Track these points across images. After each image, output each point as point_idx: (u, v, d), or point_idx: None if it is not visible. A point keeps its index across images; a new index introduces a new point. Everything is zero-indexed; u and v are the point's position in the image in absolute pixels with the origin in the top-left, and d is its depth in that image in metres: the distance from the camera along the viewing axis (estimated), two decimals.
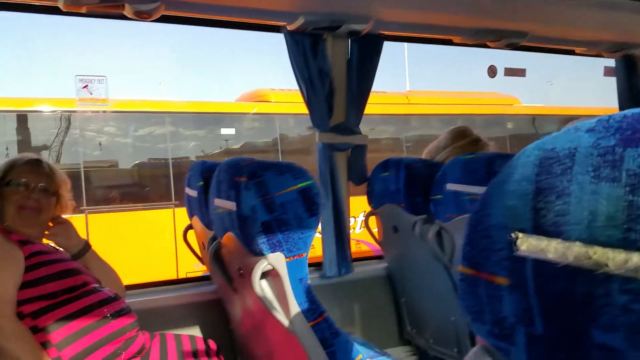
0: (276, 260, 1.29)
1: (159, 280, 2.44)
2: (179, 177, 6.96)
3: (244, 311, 1.81)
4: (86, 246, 1.90)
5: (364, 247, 6.29)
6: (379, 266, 2.63)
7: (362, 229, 6.37)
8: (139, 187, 7.14)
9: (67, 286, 1.58)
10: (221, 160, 1.86)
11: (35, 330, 1.47)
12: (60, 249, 1.85)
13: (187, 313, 2.27)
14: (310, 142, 7.73)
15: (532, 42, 2.68)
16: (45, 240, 1.83)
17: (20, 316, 1.47)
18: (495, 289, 0.53)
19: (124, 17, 1.86)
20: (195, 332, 2.25)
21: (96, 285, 1.68)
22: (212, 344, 1.93)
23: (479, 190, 1.75)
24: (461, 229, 1.77)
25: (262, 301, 1.32)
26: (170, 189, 6.93)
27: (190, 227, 2.21)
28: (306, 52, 2.25)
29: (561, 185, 0.46)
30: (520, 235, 0.49)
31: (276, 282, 1.32)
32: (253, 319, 1.71)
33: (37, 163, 1.78)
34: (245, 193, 1.30)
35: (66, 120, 6.57)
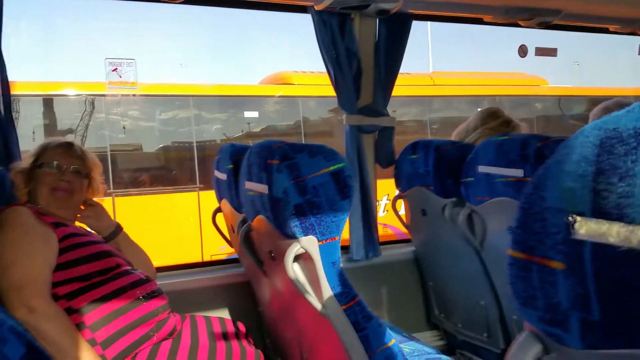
0: (309, 243, 1.27)
1: (188, 263, 2.46)
2: (203, 160, 7.00)
3: (273, 293, 1.81)
4: (118, 228, 1.92)
5: (388, 231, 6.27)
6: (406, 250, 2.61)
7: (385, 212, 6.38)
8: (164, 170, 7.20)
9: (100, 268, 1.59)
10: (245, 142, 1.87)
11: (70, 312, 1.49)
12: (93, 231, 1.87)
13: (215, 295, 2.28)
14: (333, 124, 7.71)
15: (565, 20, 2.60)
16: (77, 223, 1.85)
17: (55, 298, 1.49)
18: (549, 273, 0.51)
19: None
20: (224, 314, 2.27)
21: (128, 267, 1.69)
22: (241, 326, 1.93)
23: (512, 172, 1.72)
24: (493, 212, 1.75)
25: (294, 284, 1.31)
26: (195, 172, 6.98)
27: (219, 209, 2.21)
28: (334, 32, 2.21)
29: (625, 166, 0.43)
30: (579, 218, 0.47)
31: (309, 266, 1.31)
32: (282, 301, 1.71)
33: (69, 146, 1.80)
34: (277, 175, 1.29)
35: (91, 104, 6.63)
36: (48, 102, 6.64)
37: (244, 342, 1.83)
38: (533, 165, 1.59)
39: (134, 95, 6.50)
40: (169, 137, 7.19)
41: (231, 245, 2.30)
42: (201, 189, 6.82)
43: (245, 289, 2.26)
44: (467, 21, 2.69)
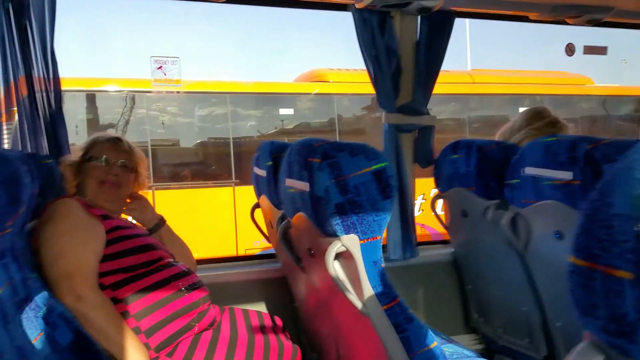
0: (350, 242, 1.27)
1: (227, 256, 2.50)
2: (239, 156, 7.07)
3: (310, 290, 1.82)
4: (161, 221, 1.97)
5: (424, 231, 6.20)
6: (445, 251, 2.57)
7: (420, 211, 6.30)
8: (202, 165, 7.30)
9: (144, 260, 1.63)
10: (280, 139, 1.88)
11: (115, 301, 1.53)
12: (137, 223, 1.91)
13: (252, 289, 2.30)
14: (368, 122, 7.67)
15: (615, 17, 2.51)
16: (122, 215, 1.90)
17: (102, 287, 1.53)
18: (615, 282, 0.49)
19: None
20: (261, 307, 2.29)
21: (171, 259, 1.73)
22: (278, 321, 1.95)
23: (560, 175, 1.67)
24: (539, 215, 1.70)
25: (334, 282, 1.31)
26: (231, 168, 7.05)
27: (257, 205, 2.22)
28: (374, 30, 2.20)
29: None
30: None
31: (349, 264, 1.31)
32: (319, 298, 1.71)
33: (118, 140, 1.85)
34: (318, 174, 1.29)
35: (132, 99, 6.77)
36: (91, 98, 6.80)
37: (281, 337, 1.84)
38: (582, 168, 1.55)
39: (177, 92, 6.60)
40: (206, 133, 7.29)
41: (269, 241, 2.31)
42: (237, 184, 6.89)
43: (281, 284, 2.27)
44: (511, 19, 2.63)
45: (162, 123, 7.06)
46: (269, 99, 7.47)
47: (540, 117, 2.32)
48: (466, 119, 8.02)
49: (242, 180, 6.87)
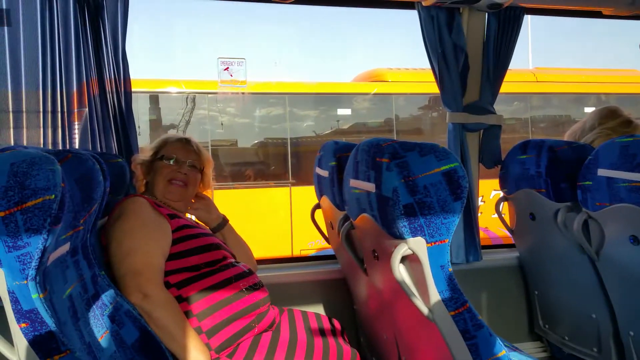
0: (417, 245, 1.23)
1: (286, 257, 2.50)
2: (296, 156, 7.10)
3: (371, 292, 1.79)
4: (224, 220, 2.00)
5: (482, 234, 6.03)
6: (510, 255, 2.48)
7: (479, 213, 6.13)
8: (260, 166, 7.38)
9: (208, 260, 1.65)
10: (337, 139, 1.87)
11: (179, 300, 1.55)
12: (201, 223, 1.94)
13: (311, 290, 2.30)
14: (427, 122, 7.54)
15: None
16: (187, 215, 1.93)
17: (167, 285, 1.56)
18: None
19: (266, 0, 1.90)
20: (319, 309, 2.28)
21: (232, 260, 1.74)
22: (337, 324, 1.93)
23: (638, 177, 1.57)
24: (614, 219, 1.61)
25: (400, 286, 1.27)
26: (288, 168, 7.10)
27: (318, 206, 2.21)
28: (441, 27, 2.15)
29: None
30: None
31: (416, 268, 1.27)
32: (381, 301, 1.68)
33: (187, 141, 1.90)
34: (386, 174, 1.25)
35: (192, 100, 6.92)
36: (154, 99, 7.01)
37: (340, 340, 1.82)
38: None
39: (242, 93, 6.70)
40: (264, 134, 7.36)
41: (328, 242, 2.30)
42: (293, 184, 6.93)
43: (341, 285, 2.25)
44: (583, 15, 2.51)
45: (222, 123, 7.18)
46: (328, 99, 7.46)
47: (613, 116, 2.21)
48: (529, 119, 7.75)
49: (299, 181, 6.90)
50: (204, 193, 2.02)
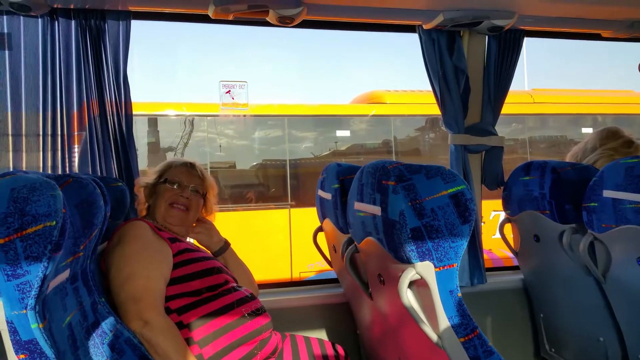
0: (425, 269, 1.20)
1: (287, 281, 2.47)
2: (296, 177, 7.09)
3: (376, 317, 1.75)
4: (226, 244, 1.97)
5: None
6: (514, 277, 2.45)
7: None
8: (260, 188, 7.35)
9: (210, 284, 1.62)
10: (338, 160, 1.87)
11: (180, 327, 1.52)
12: (202, 247, 1.92)
13: (313, 314, 2.26)
14: (427, 143, 7.55)
15: None
16: (188, 239, 1.91)
17: (168, 311, 1.52)
18: None
19: (267, 24, 1.91)
20: (322, 334, 2.24)
21: (234, 284, 1.71)
22: (340, 350, 1.89)
23: None
24: (620, 241, 1.58)
25: (408, 311, 1.24)
26: (287, 190, 7.07)
27: (320, 229, 2.19)
28: (442, 50, 2.16)
29: None
30: None
31: (424, 293, 1.24)
32: (387, 326, 1.64)
33: (192, 166, 1.89)
34: (393, 197, 1.23)
35: (191, 123, 6.92)
36: (152, 121, 7.01)
37: None
38: None
39: (244, 115, 6.70)
40: (262, 155, 7.36)
41: (331, 266, 2.26)
42: (292, 206, 6.90)
43: (344, 310, 2.21)
44: (582, 37, 2.53)
45: (220, 146, 7.17)
46: (326, 121, 7.48)
47: (614, 137, 2.21)
48: (527, 139, 7.77)
49: (298, 202, 6.88)
50: (208, 217, 2.00)
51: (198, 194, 1.86)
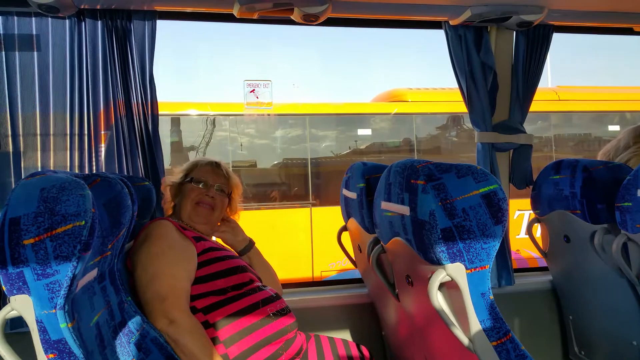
0: (456, 271, 1.18)
1: (311, 280, 2.46)
2: (318, 177, 7.08)
3: (402, 318, 1.73)
4: (250, 243, 1.97)
5: None
6: (543, 279, 2.40)
7: None
8: (282, 186, 7.36)
9: (235, 283, 1.62)
10: (359, 159, 1.85)
11: (206, 326, 1.52)
12: (227, 245, 1.91)
13: (338, 315, 2.24)
14: (447, 141, 7.48)
15: None
16: (214, 238, 1.91)
17: (193, 311, 1.52)
18: None
19: (292, 22, 1.90)
20: (346, 335, 2.22)
21: (259, 283, 1.70)
22: (365, 351, 1.87)
23: None
24: None
25: (439, 314, 1.22)
26: (309, 189, 7.07)
27: (344, 228, 2.17)
28: (469, 46, 2.12)
29: None
30: None
31: (454, 295, 1.21)
32: (413, 328, 1.62)
33: (217, 165, 1.89)
34: (422, 197, 1.21)
35: (212, 122, 6.96)
36: (175, 121, 7.06)
37: None
38: None
39: (268, 115, 6.71)
40: (283, 154, 7.36)
41: (355, 265, 2.24)
42: (313, 205, 6.89)
43: (368, 310, 2.19)
44: (613, 32, 2.46)
45: (241, 144, 7.19)
46: (347, 120, 7.44)
47: None
48: (552, 137, 7.64)
49: (320, 201, 6.86)
50: (233, 216, 2.00)
51: (223, 193, 1.86)
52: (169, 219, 1.73)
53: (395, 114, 7.37)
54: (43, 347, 0.98)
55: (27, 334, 0.99)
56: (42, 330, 0.98)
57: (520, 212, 6.44)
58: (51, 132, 1.93)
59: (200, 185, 1.82)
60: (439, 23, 2.17)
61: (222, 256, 1.67)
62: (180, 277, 1.53)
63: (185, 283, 1.53)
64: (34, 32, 1.88)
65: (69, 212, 0.98)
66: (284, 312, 1.66)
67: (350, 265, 2.28)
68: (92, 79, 1.95)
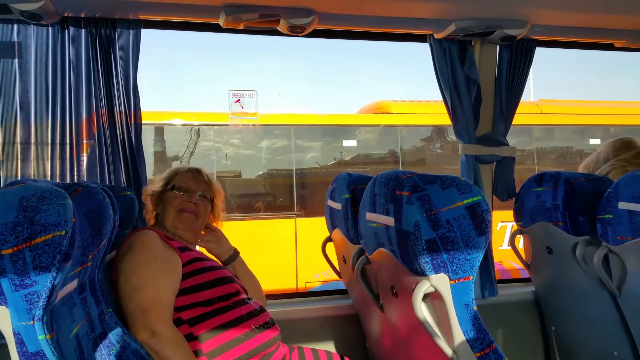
0: (440, 282, 1.18)
1: (294, 291, 2.45)
2: (302, 188, 7.07)
3: (386, 329, 1.72)
4: (235, 253, 1.95)
5: None
6: (526, 289, 2.42)
7: None
8: (265, 197, 7.33)
9: (222, 294, 1.60)
10: (344, 170, 1.86)
11: (190, 338, 1.50)
12: (211, 256, 1.90)
13: (321, 326, 2.23)
14: (432, 153, 7.54)
15: None
16: (199, 248, 1.89)
17: (179, 322, 1.50)
18: None
19: (278, 33, 1.90)
20: (330, 346, 2.21)
21: (245, 296, 1.69)
22: None
23: None
24: (636, 253, 1.55)
25: (423, 325, 1.22)
26: (294, 200, 7.05)
27: (329, 239, 2.16)
28: (453, 59, 2.14)
29: None
30: None
31: (438, 306, 1.21)
32: (397, 339, 1.61)
33: (198, 172, 1.87)
34: (407, 207, 1.21)
35: (196, 132, 6.92)
36: (159, 131, 7.01)
37: None
38: None
39: (254, 125, 6.69)
40: (268, 165, 7.34)
41: (340, 276, 2.24)
42: (298, 215, 6.87)
43: (352, 321, 2.18)
44: (594, 47, 2.50)
45: (226, 155, 7.16)
46: (333, 131, 7.46)
47: (628, 148, 2.18)
48: (534, 150, 7.74)
49: (304, 212, 6.85)
50: (215, 224, 1.98)
51: (206, 199, 1.84)
52: (153, 228, 1.71)
53: (380, 125, 7.42)
54: (20, 359, 0.96)
55: (4, 347, 0.97)
56: (20, 343, 0.96)
57: (503, 224, 6.50)
58: (32, 141, 1.90)
59: (183, 193, 1.79)
60: (423, 36, 2.19)
61: (208, 267, 1.65)
62: (163, 289, 1.50)
63: (168, 294, 1.51)
64: (16, 40, 1.85)
65: (49, 221, 0.96)
66: (267, 325, 1.64)
67: (334, 277, 2.27)
68: (75, 87, 1.93)
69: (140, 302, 1.45)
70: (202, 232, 1.92)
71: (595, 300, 1.93)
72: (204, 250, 1.91)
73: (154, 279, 1.50)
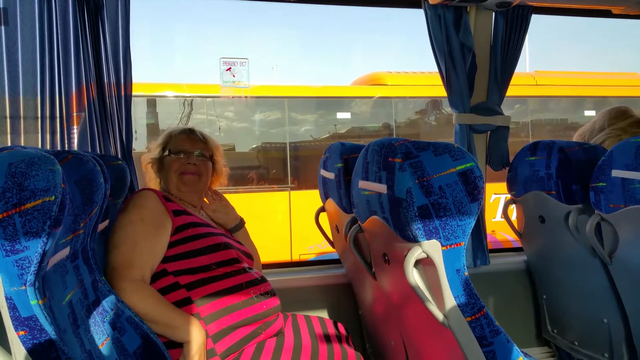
0: (432, 248, 1.18)
1: (289, 261, 2.46)
2: (296, 160, 7.06)
3: (378, 297, 1.74)
4: (242, 222, 1.97)
5: None
6: (518, 259, 2.44)
7: None
8: (258, 170, 7.32)
9: (219, 260, 1.61)
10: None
11: (188, 302, 1.51)
12: (213, 223, 1.89)
13: (315, 295, 2.25)
14: (427, 125, 7.52)
15: None
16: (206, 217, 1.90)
17: (176, 286, 1.52)
18: None
19: None
20: (323, 314, 2.24)
21: (245, 265, 1.69)
22: (342, 328, 1.88)
23: None
24: (628, 221, 1.56)
25: (414, 291, 1.22)
26: (288, 173, 7.05)
27: (322, 209, 2.16)
28: (448, 26, 2.11)
29: None
30: None
31: (430, 272, 1.22)
32: (389, 306, 1.63)
33: (192, 132, 1.87)
34: (399, 174, 1.20)
35: (189, 104, 6.87)
36: (151, 103, 6.95)
37: (345, 344, 1.78)
38: None
39: (245, 97, 6.62)
40: (262, 138, 7.31)
41: (333, 246, 2.25)
42: (292, 188, 6.88)
43: (346, 290, 2.21)
44: (592, 14, 2.47)
45: (219, 128, 7.12)
46: (327, 103, 7.41)
47: (623, 117, 2.18)
48: (529, 122, 7.73)
49: (298, 185, 6.86)
50: (220, 180, 2.00)
51: (205, 157, 1.84)
52: (154, 189, 1.72)
53: (375, 97, 7.37)
54: (13, 324, 0.96)
55: None
56: (12, 307, 0.96)
57: (496, 196, 6.53)
58: (21, 115, 1.87)
59: (181, 155, 1.79)
60: (418, 2, 2.16)
61: (204, 233, 1.65)
62: (139, 251, 1.51)
63: (143, 256, 1.52)
64: (1, 5, 1.81)
65: (38, 187, 0.96)
66: (267, 294, 1.65)
67: (328, 249, 2.29)
68: (63, 57, 1.89)
69: (114, 259, 1.48)
70: (207, 201, 1.93)
71: (586, 269, 1.95)
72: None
73: (132, 240, 1.52)
